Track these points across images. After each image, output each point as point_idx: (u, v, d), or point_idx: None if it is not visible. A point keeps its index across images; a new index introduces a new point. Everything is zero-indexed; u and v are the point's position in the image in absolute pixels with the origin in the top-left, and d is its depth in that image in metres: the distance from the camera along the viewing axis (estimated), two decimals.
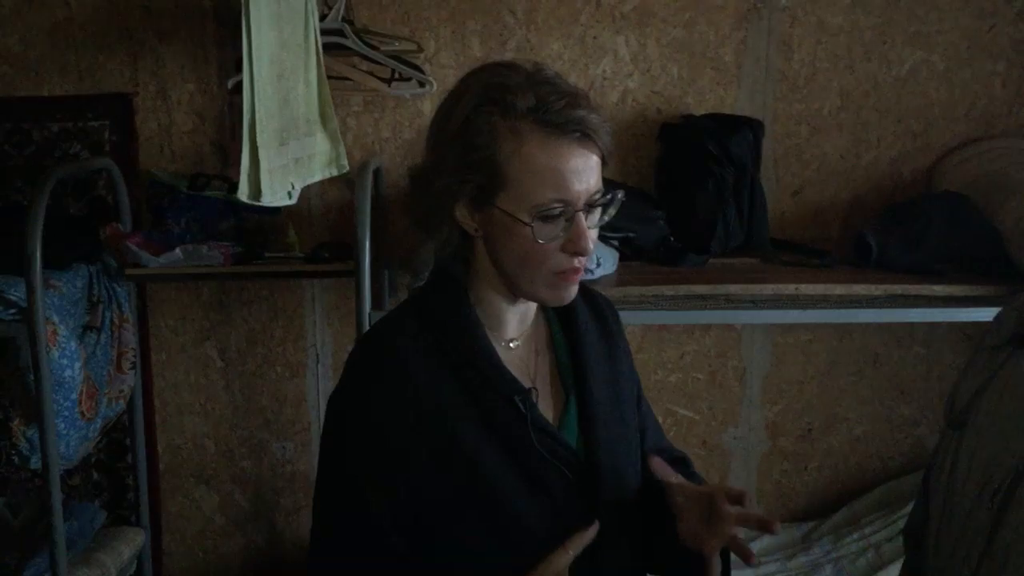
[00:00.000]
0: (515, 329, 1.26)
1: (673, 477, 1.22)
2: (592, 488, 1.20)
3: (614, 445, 1.25)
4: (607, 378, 1.29)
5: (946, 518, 1.15)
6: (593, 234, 1.15)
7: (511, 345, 1.25)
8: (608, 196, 1.16)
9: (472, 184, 1.13)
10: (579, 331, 1.28)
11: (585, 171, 1.12)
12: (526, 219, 1.11)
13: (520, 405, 1.17)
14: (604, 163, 1.16)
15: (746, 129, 2.43)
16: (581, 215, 1.12)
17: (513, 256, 1.15)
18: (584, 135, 1.11)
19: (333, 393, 1.23)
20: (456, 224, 1.17)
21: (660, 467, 1.22)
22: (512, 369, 1.20)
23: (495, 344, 1.21)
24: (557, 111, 1.10)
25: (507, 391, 1.17)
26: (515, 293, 1.21)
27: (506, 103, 1.11)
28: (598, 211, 1.16)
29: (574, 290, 1.19)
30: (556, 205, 1.11)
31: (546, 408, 1.23)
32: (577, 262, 1.15)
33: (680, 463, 1.36)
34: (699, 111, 2.55)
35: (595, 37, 2.53)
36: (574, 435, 1.24)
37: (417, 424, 1.15)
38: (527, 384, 1.21)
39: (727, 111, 2.55)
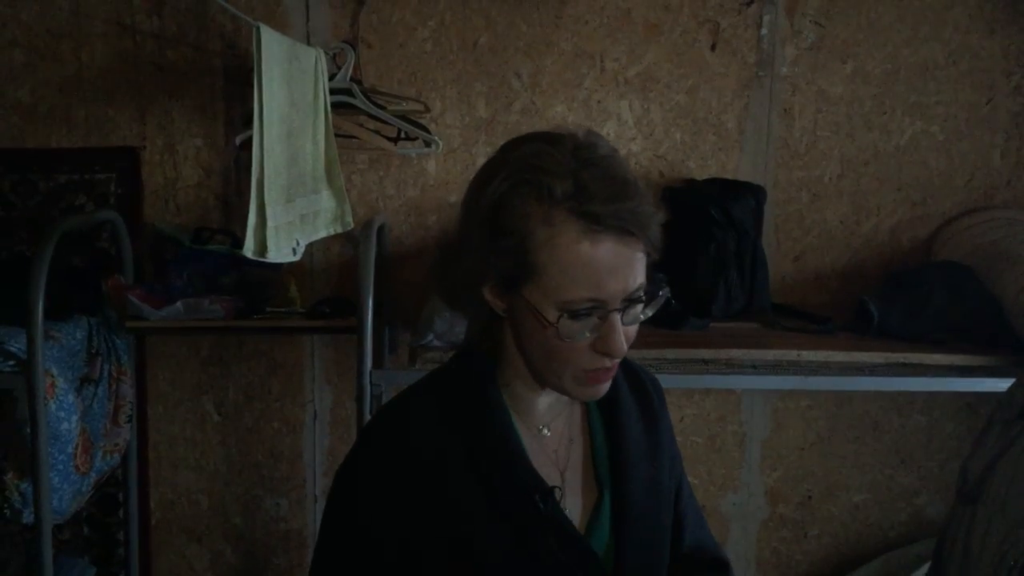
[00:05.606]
0: (546, 414, 1.14)
1: None
2: None
3: (647, 548, 1.14)
4: (648, 470, 1.17)
5: None
6: (631, 330, 1.03)
7: (541, 432, 1.14)
8: (648, 292, 1.03)
9: (499, 268, 1.02)
10: (620, 419, 1.16)
11: (624, 268, 0.98)
12: (551, 316, 0.99)
13: (540, 505, 1.05)
14: (650, 256, 1.02)
15: (748, 194, 2.44)
16: (616, 315, 1.00)
17: (538, 348, 1.04)
18: (625, 230, 0.98)
19: (343, 465, 1.14)
20: (485, 303, 1.07)
21: None
22: (539, 459, 1.10)
23: (523, 431, 1.11)
24: (598, 201, 0.96)
25: (527, 488, 1.06)
26: (541, 384, 1.10)
27: (542, 187, 0.98)
28: (639, 306, 1.03)
29: (605, 387, 1.07)
30: (587, 304, 0.99)
31: (575, 504, 1.12)
32: (609, 362, 1.03)
33: (717, 570, 1.25)
34: (701, 176, 2.58)
35: (599, 101, 2.56)
36: (604, 536, 1.12)
37: (425, 513, 1.06)
38: (554, 477, 1.10)
39: (729, 176, 2.58)
